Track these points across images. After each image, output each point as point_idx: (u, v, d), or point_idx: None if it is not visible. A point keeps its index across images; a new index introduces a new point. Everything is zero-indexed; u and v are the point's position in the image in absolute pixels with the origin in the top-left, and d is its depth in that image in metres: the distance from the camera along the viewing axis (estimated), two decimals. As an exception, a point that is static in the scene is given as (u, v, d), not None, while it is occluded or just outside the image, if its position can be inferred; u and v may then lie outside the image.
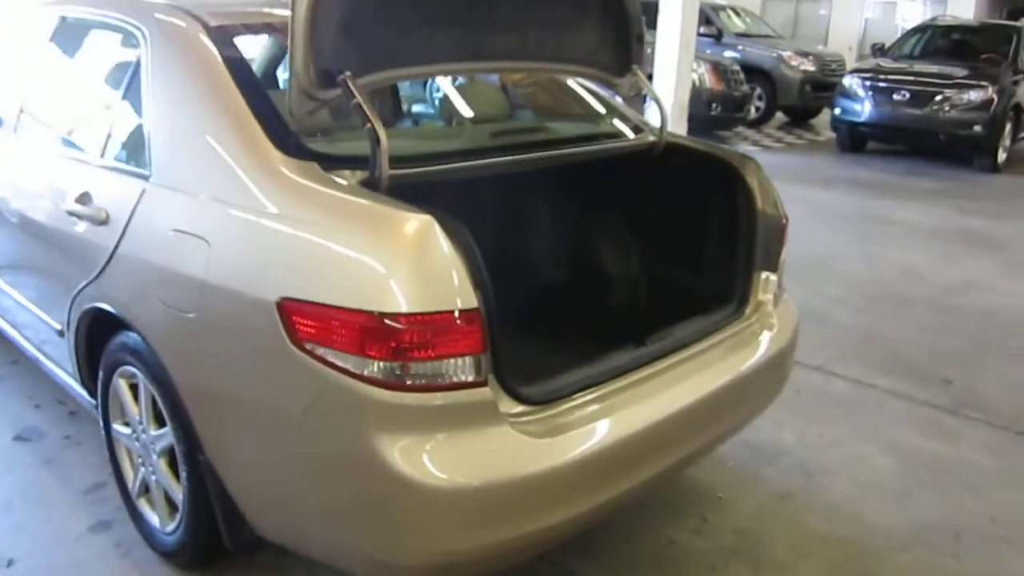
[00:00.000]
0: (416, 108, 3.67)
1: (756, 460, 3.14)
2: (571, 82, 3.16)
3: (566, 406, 1.96)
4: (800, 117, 12.93)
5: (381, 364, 1.70)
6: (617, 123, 2.96)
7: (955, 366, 4.16)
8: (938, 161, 10.07)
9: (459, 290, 1.73)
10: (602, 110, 3.11)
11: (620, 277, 3.07)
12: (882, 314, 4.88)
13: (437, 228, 1.73)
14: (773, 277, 2.63)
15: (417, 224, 1.74)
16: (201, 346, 2.05)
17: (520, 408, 1.88)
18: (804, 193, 7.81)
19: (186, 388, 2.11)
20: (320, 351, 1.76)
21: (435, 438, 1.75)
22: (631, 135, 2.87)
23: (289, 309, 1.79)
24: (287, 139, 2.03)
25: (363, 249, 1.75)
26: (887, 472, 3.15)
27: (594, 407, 2.00)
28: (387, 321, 1.68)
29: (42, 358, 3.00)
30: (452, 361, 1.74)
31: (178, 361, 2.12)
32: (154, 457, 2.37)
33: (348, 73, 1.96)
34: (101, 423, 2.63)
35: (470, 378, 1.76)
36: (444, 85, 3.28)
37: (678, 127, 8.19)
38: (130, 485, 2.56)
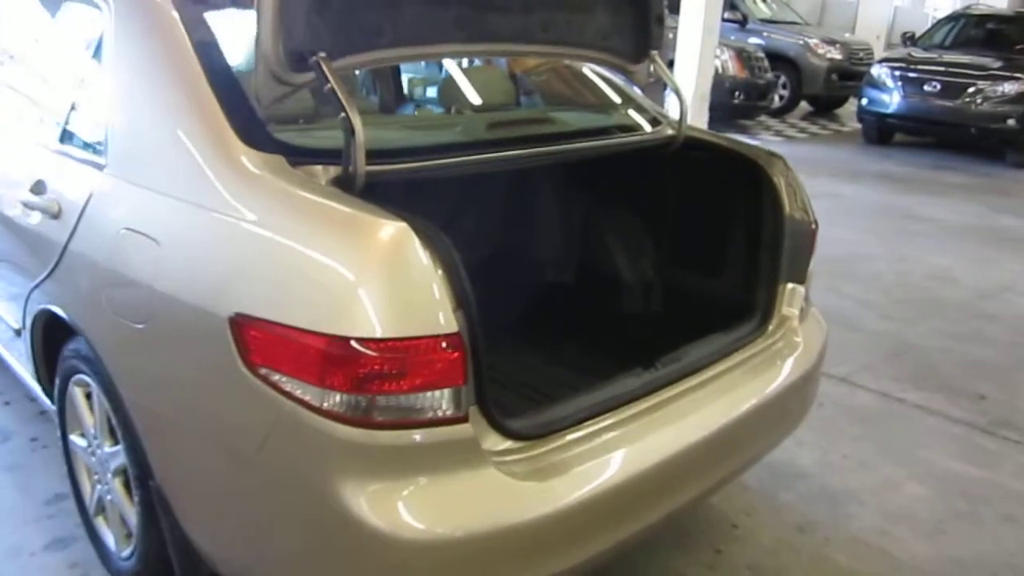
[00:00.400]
0: (422, 92, 3.42)
1: (775, 484, 2.89)
2: (585, 68, 2.90)
3: (562, 441, 1.71)
4: (825, 107, 12.56)
5: (344, 396, 1.46)
6: (632, 114, 2.69)
7: (990, 379, 3.87)
8: (968, 155, 9.70)
9: (437, 311, 1.48)
10: (617, 99, 2.84)
11: (630, 284, 2.81)
12: (911, 319, 4.59)
13: (413, 238, 1.48)
14: (800, 289, 2.37)
15: (389, 233, 1.49)
16: (150, 362, 1.81)
17: (508, 444, 1.64)
18: (829, 186, 7.51)
19: (135, 407, 1.87)
20: (275, 378, 1.51)
21: (408, 483, 1.51)
22: (647, 128, 2.60)
23: (242, 327, 1.55)
24: (252, 128, 1.78)
25: (325, 261, 1.50)
26: (918, 500, 2.89)
27: (594, 442, 1.75)
28: (351, 347, 1.44)
29: (6, 355, 2.78)
30: (427, 394, 1.49)
31: (126, 376, 1.89)
32: (109, 475, 2.15)
33: (322, 54, 1.71)
34: (59, 432, 2.41)
35: (448, 413, 1.51)
36: (449, 66, 3.01)
37: (699, 117, 7.87)
38: (87, 501, 2.34)
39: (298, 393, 1.49)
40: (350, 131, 1.66)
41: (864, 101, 9.96)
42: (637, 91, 2.85)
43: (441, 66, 3.19)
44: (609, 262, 2.86)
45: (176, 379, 1.76)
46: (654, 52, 2.44)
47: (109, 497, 2.18)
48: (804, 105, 12.48)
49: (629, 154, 2.52)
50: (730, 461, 2.06)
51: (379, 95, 3.51)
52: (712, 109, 8.36)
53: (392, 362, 1.45)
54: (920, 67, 9.72)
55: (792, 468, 2.98)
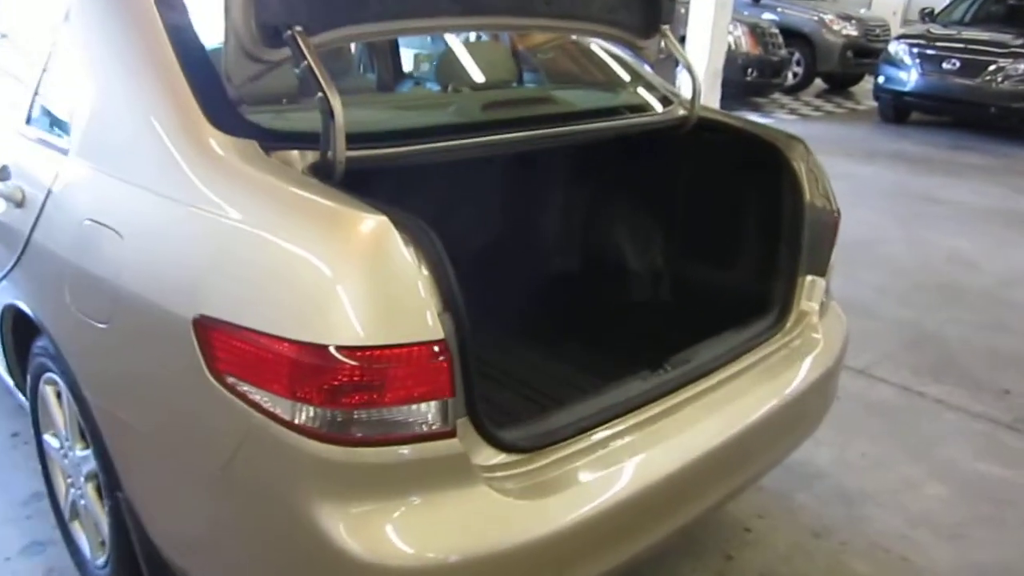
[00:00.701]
0: (428, 69, 3.25)
1: (790, 484, 2.74)
2: (593, 45, 2.72)
3: (561, 454, 1.57)
4: (840, 84, 12.28)
5: (317, 411, 1.31)
6: (642, 93, 2.52)
7: (1014, 371, 3.71)
8: (987, 135, 9.44)
9: (422, 315, 1.33)
10: (626, 77, 2.66)
11: (638, 274, 2.66)
12: (930, 307, 4.42)
13: (394, 233, 1.33)
14: (821, 282, 2.21)
15: (367, 227, 1.34)
16: (114, 365, 1.67)
17: (502, 458, 1.49)
18: (844, 167, 7.29)
19: (100, 413, 1.74)
20: (243, 388, 1.37)
21: (390, 505, 1.37)
22: (658, 108, 2.43)
23: (207, 330, 1.40)
24: (222, 109, 1.62)
25: (295, 259, 1.35)
26: (939, 502, 2.74)
27: (596, 454, 1.60)
28: (324, 355, 1.29)
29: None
30: (410, 407, 1.34)
31: (91, 380, 1.75)
32: (82, 479, 2.02)
33: (298, 28, 1.55)
34: (33, 431, 2.28)
35: (434, 427, 1.37)
36: (450, 39, 2.83)
37: (711, 95, 7.64)
38: (62, 504, 2.22)
39: (268, 406, 1.35)
40: (328, 113, 1.51)
41: (881, 79, 9.70)
42: (647, 68, 2.68)
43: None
44: (615, 251, 2.71)
45: (140, 385, 1.62)
46: (665, 27, 2.27)
47: (83, 502, 2.06)
48: (818, 83, 12.21)
49: (638, 136, 2.36)
50: (745, 470, 1.92)
51: (376, 72, 3.35)
52: (724, 86, 8.12)
53: (371, 372, 1.30)
54: (939, 44, 9.45)
55: (808, 467, 2.83)
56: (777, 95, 11.04)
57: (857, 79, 12.22)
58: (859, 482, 2.80)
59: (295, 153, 1.60)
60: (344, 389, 1.30)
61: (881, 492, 2.76)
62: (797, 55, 11.19)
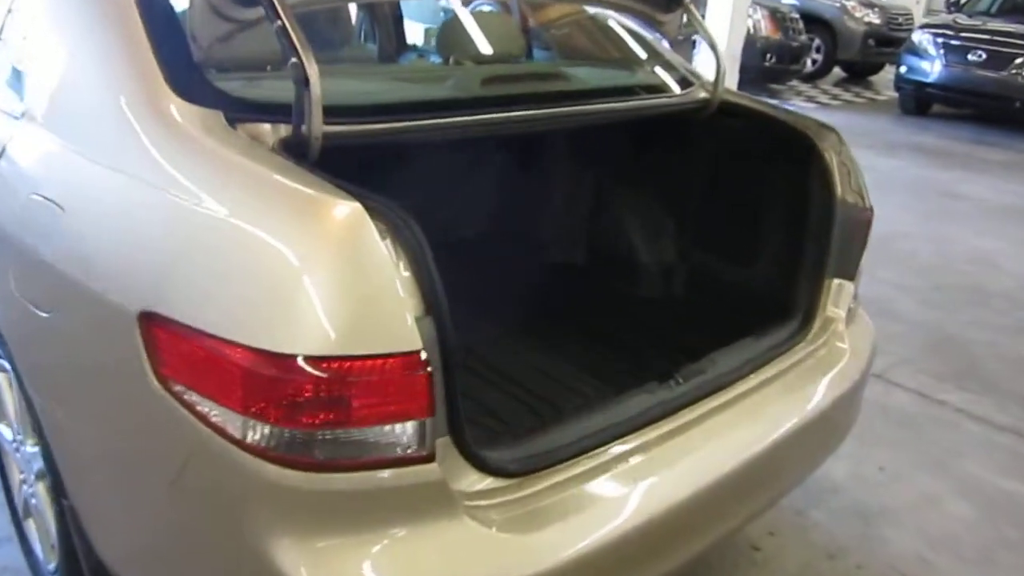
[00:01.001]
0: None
1: (803, 499, 2.56)
2: (611, 21, 2.51)
3: (556, 478, 1.38)
4: (860, 73, 11.99)
5: (273, 429, 1.13)
6: (660, 73, 2.31)
7: (1040, 381, 3.51)
8: (1010, 130, 9.15)
9: (398, 321, 1.14)
10: (643, 55, 2.45)
11: (648, 267, 2.46)
12: (952, 308, 4.22)
13: (368, 223, 1.14)
14: (849, 287, 2.02)
15: (338, 216, 1.15)
16: (56, 359, 1.49)
17: (488, 483, 1.31)
18: (863, 159, 6.87)
19: (42, 410, 1.56)
20: (191, 397, 1.19)
21: (357, 539, 1.19)
22: (677, 89, 2.22)
23: (152, 328, 1.21)
24: (187, 74, 1.43)
25: (252, 251, 1.16)
26: (962, 523, 2.55)
27: (597, 479, 1.42)
28: (281, 365, 1.11)
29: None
30: (382, 428, 1.16)
31: (33, 374, 1.57)
32: (32, 477, 1.84)
33: (273, -17, 1.35)
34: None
35: (409, 450, 1.18)
36: (456, 6, 2.62)
37: (728, 79, 7.40)
38: (16, 500, 2.04)
39: (217, 420, 1.16)
40: (303, 82, 1.31)
41: (903, 69, 9.42)
42: (666, 46, 2.48)
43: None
44: (624, 242, 2.51)
45: (83, 385, 1.43)
46: (687, 0, 2.07)
47: (34, 501, 1.88)
48: (837, 71, 11.93)
49: (654, 119, 2.16)
50: (762, 495, 1.74)
51: (378, 42, 3.14)
52: (741, 71, 7.89)
53: (337, 387, 1.12)
54: (964, 35, 9.16)
55: (823, 481, 2.64)
56: (795, 82, 10.77)
57: (878, 68, 11.93)
58: (876, 498, 2.62)
59: (266, 127, 1.41)
60: (305, 405, 1.12)
61: (899, 510, 2.57)
62: (817, 41, 10.91)
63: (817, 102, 9.97)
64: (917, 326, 3.96)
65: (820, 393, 1.83)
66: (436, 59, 2.71)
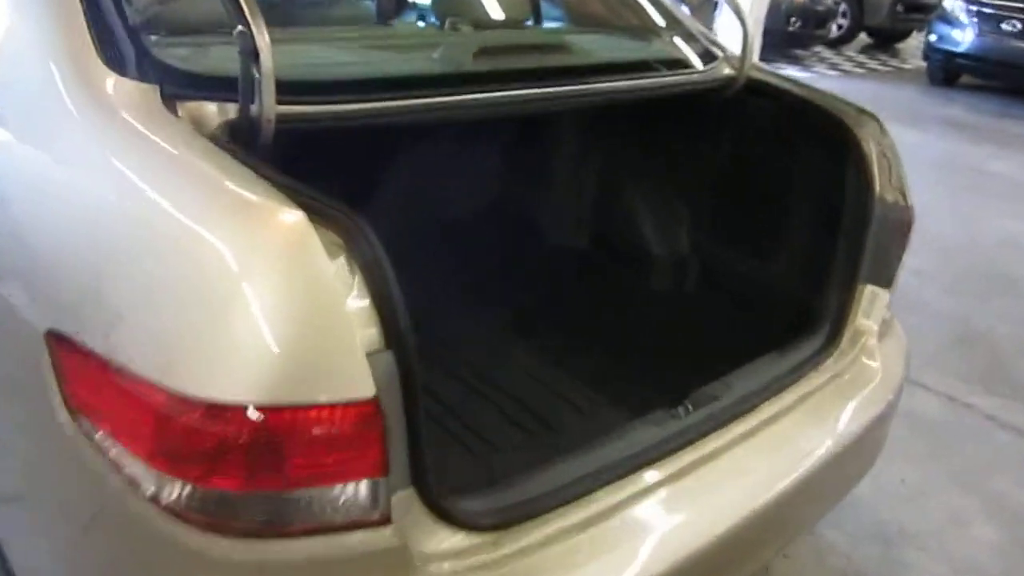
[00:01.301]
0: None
1: (818, 515, 2.36)
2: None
3: (542, 532, 1.18)
4: (886, 39, 11.58)
5: (193, 488, 0.92)
6: (679, 44, 2.06)
7: (1075, 383, 3.29)
8: (1043, 104, 8.82)
9: (348, 362, 0.93)
10: (660, 21, 2.20)
11: (659, 260, 2.24)
12: (979, 298, 3.97)
13: (313, 237, 0.92)
14: (884, 296, 1.80)
15: (275, 228, 0.93)
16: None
17: (459, 539, 1.10)
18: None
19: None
20: (101, 438, 0.98)
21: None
22: (698, 64, 1.98)
23: (61, 351, 1.01)
24: (119, 39, 1.20)
25: (172, 268, 0.94)
26: (990, 547, 2.35)
27: (592, 532, 1.21)
28: (206, 413, 0.90)
29: None
30: (326, 489, 0.95)
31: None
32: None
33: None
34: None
35: (360, 513, 0.98)
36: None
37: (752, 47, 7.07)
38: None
39: (128, 471, 0.96)
40: (250, 54, 1.08)
41: (933, 37, 9.05)
42: (685, 12, 2.22)
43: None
44: (633, 231, 2.29)
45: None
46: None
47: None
48: (863, 37, 11.52)
49: (670, 99, 1.92)
50: (784, 533, 1.54)
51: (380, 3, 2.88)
52: (763, 36, 7.55)
53: (270, 440, 0.91)
54: (999, 3, 8.76)
55: (840, 495, 2.44)
56: (819, 48, 10.39)
57: (905, 35, 11.55)
58: (898, 516, 2.42)
59: (212, 106, 1.18)
60: (233, 461, 0.91)
61: (923, 531, 2.37)
62: (843, 6, 10.50)
63: (841, 69, 9.61)
64: (941, 318, 3.72)
65: (848, 422, 1.61)
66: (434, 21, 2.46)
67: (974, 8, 8.75)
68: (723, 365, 1.58)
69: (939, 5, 9.26)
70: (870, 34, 11.49)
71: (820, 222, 1.86)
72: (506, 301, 2.13)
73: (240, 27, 1.08)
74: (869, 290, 1.78)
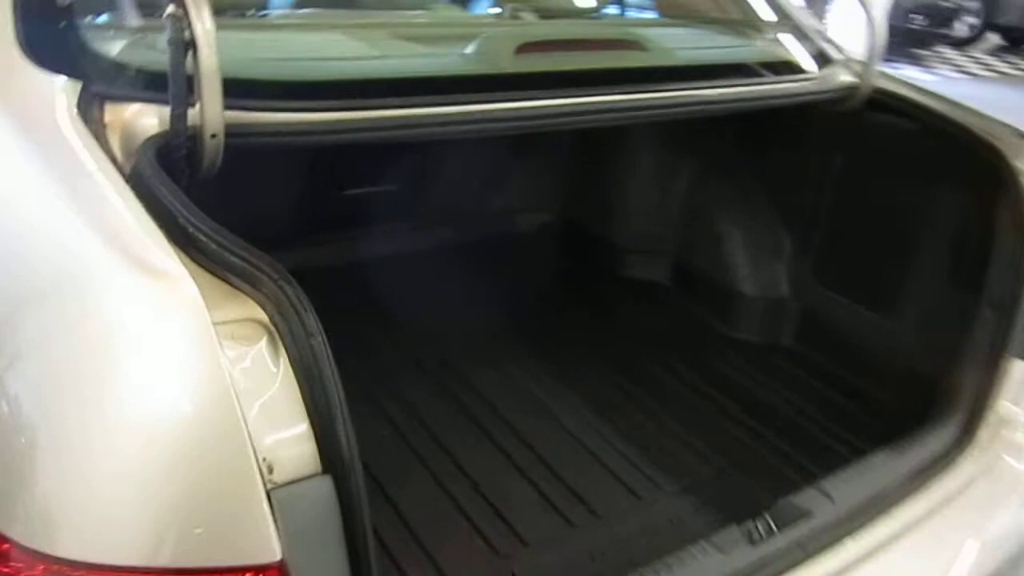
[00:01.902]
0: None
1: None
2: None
3: None
4: (1018, 41, 10.66)
5: None
6: (787, 44, 1.68)
7: None
8: None
9: (247, 510, 0.62)
10: (766, 15, 1.81)
11: (751, 301, 1.88)
12: None
13: (205, 321, 0.62)
14: (1037, 375, 1.39)
15: (158, 305, 0.63)
16: None
17: None
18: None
19: None
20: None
21: None
22: (812, 68, 1.60)
23: None
24: (42, 24, 0.93)
25: (31, 351, 0.66)
26: None
27: None
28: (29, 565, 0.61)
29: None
30: None
31: None
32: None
33: None
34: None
35: None
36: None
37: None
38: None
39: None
40: (181, 45, 0.79)
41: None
42: (798, 2, 1.84)
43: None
44: (720, 262, 1.93)
45: None
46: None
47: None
48: (992, 38, 10.64)
49: (774, 112, 1.55)
50: None
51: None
52: (883, 33, 6.98)
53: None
54: None
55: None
56: (943, 48, 9.63)
57: (1041, 36, 10.61)
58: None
59: (151, 111, 0.89)
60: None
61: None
62: (973, 3, 9.69)
63: (967, 72, 8.86)
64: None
65: (984, 548, 1.22)
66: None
67: (1126, 8, 7.92)
68: (820, 461, 1.22)
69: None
70: (1002, 34, 10.60)
71: (959, 273, 1.47)
72: (564, 338, 1.82)
73: (172, 6, 0.79)
74: (1020, 367, 1.38)
